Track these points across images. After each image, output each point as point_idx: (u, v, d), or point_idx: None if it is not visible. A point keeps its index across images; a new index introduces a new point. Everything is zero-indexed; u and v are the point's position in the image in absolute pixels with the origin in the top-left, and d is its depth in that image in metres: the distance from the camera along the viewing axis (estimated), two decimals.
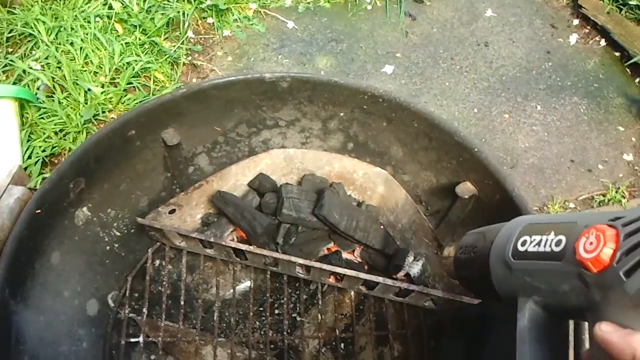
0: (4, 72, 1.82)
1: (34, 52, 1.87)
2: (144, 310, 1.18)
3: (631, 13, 2.24)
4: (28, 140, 1.68)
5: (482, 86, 2.09)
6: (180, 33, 2.03)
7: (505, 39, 2.24)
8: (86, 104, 1.79)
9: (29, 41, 1.89)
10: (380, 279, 1.14)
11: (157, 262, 1.30)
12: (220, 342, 1.22)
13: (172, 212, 1.25)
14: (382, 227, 1.29)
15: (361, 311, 1.33)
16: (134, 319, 1.22)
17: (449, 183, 1.19)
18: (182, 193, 1.25)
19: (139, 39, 1.95)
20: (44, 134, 1.71)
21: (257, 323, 1.31)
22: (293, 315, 1.32)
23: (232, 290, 1.29)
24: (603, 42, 2.25)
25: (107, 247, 1.18)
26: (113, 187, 1.14)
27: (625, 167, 1.93)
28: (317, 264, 1.15)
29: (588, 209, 1.81)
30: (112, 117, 1.80)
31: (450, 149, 1.13)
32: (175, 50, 1.98)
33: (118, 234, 1.19)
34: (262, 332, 1.28)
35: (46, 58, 1.85)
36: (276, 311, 1.32)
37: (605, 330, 0.39)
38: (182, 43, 2.01)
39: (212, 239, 1.16)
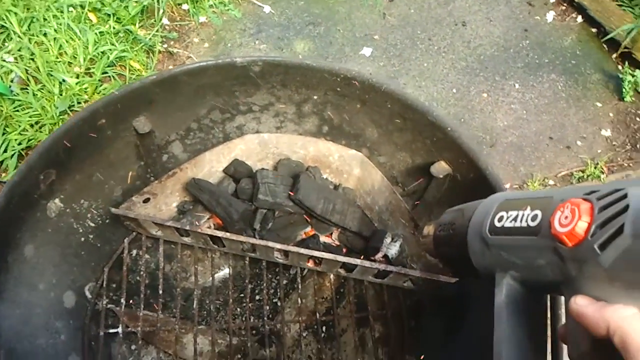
0: None
1: (6, 44, 1.84)
2: (122, 300, 1.18)
3: None
4: (3, 134, 1.67)
5: (461, 66, 2.09)
6: (155, 20, 2.01)
7: (482, 18, 2.24)
8: (61, 95, 1.77)
9: (0, 33, 1.86)
10: (358, 261, 1.14)
11: (134, 252, 1.30)
12: (200, 329, 1.22)
13: (146, 201, 1.24)
14: (359, 208, 1.29)
15: (341, 294, 1.33)
16: (112, 309, 1.21)
17: (424, 163, 1.19)
18: (156, 181, 1.24)
19: (114, 27, 1.93)
20: (20, 126, 1.69)
21: (238, 310, 1.31)
22: (273, 300, 1.32)
23: (211, 278, 1.28)
24: (580, 19, 2.25)
25: (82, 239, 1.17)
26: (85, 177, 1.12)
27: (604, 142, 1.94)
28: (295, 249, 1.15)
29: (567, 186, 1.83)
30: None
31: (424, 129, 1.13)
32: (150, 38, 1.95)
33: (92, 224, 1.18)
34: (243, 319, 1.29)
35: (19, 50, 1.82)
36: (256, 297, 1.32)
37: (580, 303, 0.39)
38: (157, 31, 1.99)
39: (188, 227, 1.15)
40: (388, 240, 1.24)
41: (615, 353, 0.36)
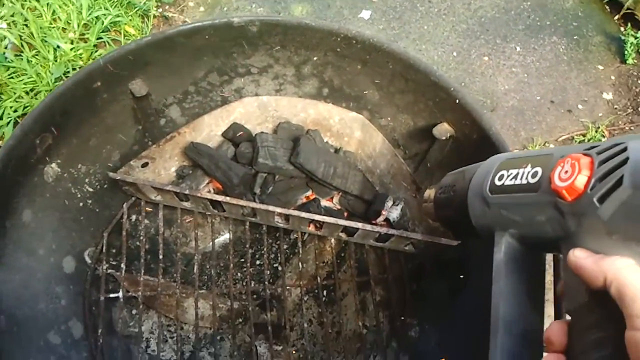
0: None
1: None
2: (122, 265, 1.17)
3: None
4: None
5: (461, 29, 2.05)
6: None
7: None
8: (56, 61, 1.74)
9: None
10: (359, 225, 1.13)
11: (133, 217, 1.28)
12: (201, 294, 1.22)
13: (145, 165, 1.23)
14: (360, 171, 1.27)
15: (342, 258, 1.33)
16: (112, 274, 1.21)
17: (426, 125, 1.18)
18: (154, 146, 1.22)
19: None
20: (15, 93, 1.66)
21: (239, 274, 1.30)
22: (274, 265, 1.32)
23: (211, 243, 1.28)
24: None
25: (81, 204, 1.16)
26: (82, 141, 1.10)
27: (605, 106, 1.93)
28: (296, 213, 1.14)
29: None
30: None
31: (427, 90, 1.11)
32: (144, 3, 1.91)
33: (91, 189, 1.17)
34: (244, 283, 1.28)
35: (12, 15, 1.78)
36: (257, 262, 1.32)
37: (579, 255, 0.40)
38: None
39: (187, 192, 1.14)
40: (389, 203, 1.24)
41: (611, 304, 0.37)
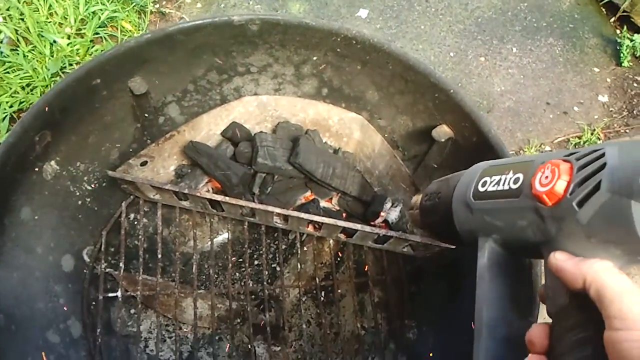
0: None
1: None
2: (121, 264, 1.17)
3: None
4: None
5: (458, 29, 2.06)
6: None
7: None
8: (52, 56, 1.72)
9: None
10: (358, 226, 1.13)
11: (132, 215, 1.28)
12: (200, 294, 1.22)
13: (143, 164, 1.22)
14: (359, 172, 1.27)
15: (341, 259, 1.33)
16: (111, 273, 1.20)
17: (425, 127, 1.18)
18: (153, 144, 1.22)
19: None
20: (10, 89, 1.64)
21: (237, 274, 1.30)
22: (272, 265, 1.32)
23: (210, 243, 1.27)
24: None
25: (79, 202, 1.15)
26: (81, 139, 1.10)
27: (601, 108, 1.94)
28: (295, 213, 1.14)
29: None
30: None
31: (426, 91, 1.11)
32: None
33: (89, 188, 1.16)
34: (242, 283, 1.28)
35: (8, 9, 1.77)
36: (255, 262, 1.32)
37: (559, 258, 0.41)
38: None
39: (186, 191, 1.13)
40: (388, 205, 1.24)
41: (590, 305, 0.38)
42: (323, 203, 1.31)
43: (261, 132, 1.26)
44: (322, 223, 1.14)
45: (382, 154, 1.28)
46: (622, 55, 1.98)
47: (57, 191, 1.09)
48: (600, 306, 0.37)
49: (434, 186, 0.63)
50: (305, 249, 1.30)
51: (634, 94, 1.96)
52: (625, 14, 2.08)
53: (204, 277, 1.29)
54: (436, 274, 1.24)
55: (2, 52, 1.67)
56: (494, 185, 0.49)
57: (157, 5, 1.96)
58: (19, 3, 1.75)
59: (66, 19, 1.79)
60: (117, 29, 1.84)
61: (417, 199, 0.67)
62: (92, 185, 1.17)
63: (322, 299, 1.25)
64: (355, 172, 1.28)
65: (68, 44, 1.73)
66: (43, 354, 1.00)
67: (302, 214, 1.14)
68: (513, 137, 1.85)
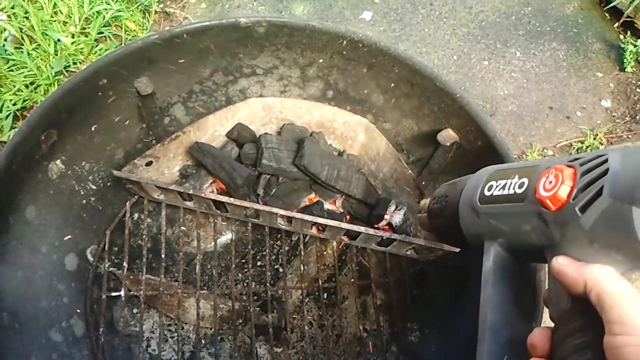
0: None
1: None
2: (125, 264, 1.17)
3: None
4: None
5: (462, 32, 2.06)
6: None
7: None
8: (56, 55, 1.73)
9: None
10: (362, 229, 1.14)
11: (136, 215, 1.28)
12: (203, 294, 1.22)
13: (149, 164, 1.22)
14: (363, 175, 1.28)
15: (344, 261, 1.33)
16: (114, 273, 1.20)
17: (430, 130, 1.18)
18: (158, 144, 1.22)
19: None
20: (14, 86, 1.65)
21: (240, 275, 1.30)
22: (275, 266, 1.32)
23: (213, 243, 1.27)
24: None
25: (84, 201, 1.15)
26: (87, 139, 1.10)
27: (603, 113, 1.94)
28: (299, 215, 1.14)
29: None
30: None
31: (432, 95, 1.11)
32: None
33: (94, 187, 1.16)
34: (245, 284, 1.28)
35: (12, 7, 1.77)
36: (258, 263, 1.32)
37: (561, 262, 0.41)
38: None
39: (191, 191, 1.13)
40: (392, 208, 1.24)
41: (591, 310, 0.38)
42: (327, 205, 1.31)
43: (266, 133, 1.27)
44: (326, 225, 1.14)
45: (387, 157, 1.28)
46: (625, 60, 1.99)
47: (62, 190, 1.09)
48: (601, 311, 0.37)
49: (442, 189, 0.63)
50: (308, 250, 1.30)
51: (637, 100, 1.96)
52: (629, 19, 2.09)
53: (207, 277, 1.29)
54: (439, 277, 1.24)
55: (6, 50, 1.67)
56: (499, 190, 0.49)
57: (162, 5, 1.96)
58: (24, 1, 1.76)
59: (70, 17, 1.79)
60: (121, 28, 1.85)
61: (425, 202, 0.67)
62: (97, 185, 1.17)
63: (324, 300, 1.26)
64: (359, 175, 1.29)
65: (72, 43, 1.74)
66: None
67: (306, 215, 1.14)
68: (516, 141, 1.86)
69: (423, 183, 1.23)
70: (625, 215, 0.36)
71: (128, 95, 1.11)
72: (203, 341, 1.22)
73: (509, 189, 0.48)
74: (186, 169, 1.28)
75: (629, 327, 0.35)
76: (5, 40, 1.71)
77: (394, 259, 1.26)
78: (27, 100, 1.64)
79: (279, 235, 1.30)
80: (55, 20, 1.77)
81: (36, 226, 1.04)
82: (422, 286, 1.27)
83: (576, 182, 0.40)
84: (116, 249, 1.24)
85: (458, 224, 0.56)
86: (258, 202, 1.23)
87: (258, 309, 1.25)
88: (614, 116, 1.93)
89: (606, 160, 0.39)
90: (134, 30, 1.85)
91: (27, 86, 1.66)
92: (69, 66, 1.71)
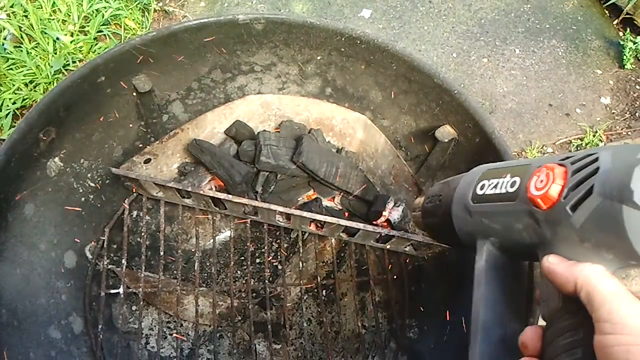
0: None
1: None
2: (123, 261, 1.17)
3: None
4: None
5: (461, 30, 2.06)
6: None
7: None
8: (55, 53, 1.73)
9: None
10: (360, 226, 1.14)
11: (135, 213, 1.28)
12: (201, 291, 1.22)
13: (147, 161, 1.22)
14: (361, 172, 1.28)
15: (342, 258, 1.33)
16: (113, 270, 1.21)
17: (428, 127, 1.18)
18: (156, 142, 1.22)
19: None
20: (14, 85, 1.65)
21: (239, 272, 1.30)
22: (274, 263, 1.32)
23: (212, 240, 1.27)
24: None
25: (83, 199, 1.16)
26: (85, 136, 1.10)
27: (603, 110, 1.94)
28: (297, 212, 1.14)
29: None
30: None
31: (430, 91, 1.11)
32: None
33: (93, 185, 1.17)
34: (244, 281, 1.28)
35: (11, 6, 1.77)
36: (257, 260, 1.32)
37: (552, 261, 0.41)
38: None
39: (189, 189, 1.14)
40: (391, 204, 1.24)
41: (582, 309, 0.38)
42: (325, 202, 1.31)
43: (264, 130, 1.27)
44: (325, 222, 1.14)
45: (385, 153, 1.28)
46: (625, 57, 1.98)
47: (61, 188, 1.09)
48: (591, 310, 0.37)
49: (435, 188, 0.63)
50: (307, 247, 1.30)
51: (637, 97, 1.96)
52: (628, 16, 2.08)
53: (206, 274, 1.29)
54: (437, 273, 1.24)
55: (5, 49, 1.67)
56: (491, 189, 0.49)
57: (161, 4, 1.96)
58: (23, 0, 1.76)
59: (69, 16, 1.79)
60: (120, 26, 1.85)
61: (419, 200, 0.67)
62: (96, 182, 1.17)
63: (323, 297, 1.26)
64: (358, 172, 1.29)
65: (71, 42, 1.74)
66: None
67: (304, 212, 1.14)
68: (515, 138, 1.85)
69: (421, 180, 1.23)
70: (616, 214, 0.36)
71: (126, 92, 1.11)
72: (202, 338, 1.22)
73: (500, 187, 0.48)
74: (185, 166, 1.28)
75: (619, 326, 0.35)
76: (5, 39, 1.71)
77: (392, 256, 1.27)
78: (26, 99, 1.64)
79: (277, 233, 1.30)
80: (54, 19, 1.77)
81: (35, 223, 1.04)
82: (421, 283, 1.27)
83: (567, 181, 0.40)
84: (115, 246, 1.24)
85: (451, 222, 0.56)
86: (256, 200, 1.23)
87: (257, 306, 1.25)
88: (613, 113, 1.92)
89: (597, 159, 0.39)
90: (133, 29, 1.85)
91: (26, 85, 1.66)
92: (68, 65, 1.71)
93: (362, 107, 1.28)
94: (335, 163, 1.24)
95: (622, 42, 2.03)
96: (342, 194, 1.30)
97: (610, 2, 2.10)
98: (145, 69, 1.10)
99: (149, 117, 1.19)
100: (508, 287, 0.51)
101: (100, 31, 1.81)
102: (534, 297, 0.59)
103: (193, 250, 1.26)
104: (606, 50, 2.06)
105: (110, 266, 1.20)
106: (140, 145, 1.22)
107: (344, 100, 1.28)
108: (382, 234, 1.15)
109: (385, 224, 1.26)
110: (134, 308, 1.22)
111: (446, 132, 1.13)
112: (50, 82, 1.67)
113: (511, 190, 0.46)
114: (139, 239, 1.25)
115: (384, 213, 1.23)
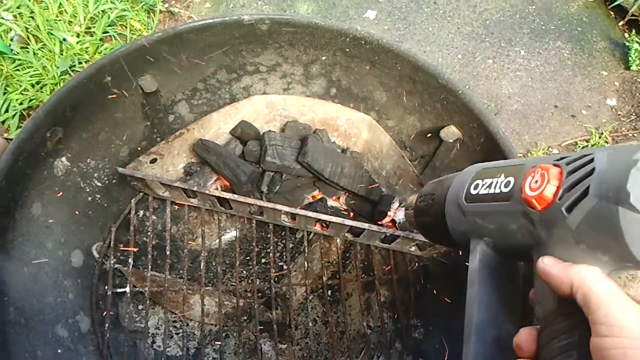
0: None
1: (4, 1, 1.80)
2: (130, 260, 1.17)
3: None
4: (4, 93, 1.64)
5: (466, 31, 2.06)
6: None
7: None
8: (62, 54, 1.74)
9: None
10: (365, 226, 1.14)
11: (141, 212, 1.29)
12: (207, 291, 1.22)
13: (153, 161, 1.23)
14: (366, 172, 1.28)
15: (347, 258, 1.33)
16: (119, 269, 1.21)
17: (433, 127, 1.18)
18: (162, 142, 1.23)
19: None
20: (20, 86, 1.66)
21: (244, 272, 1.31)
22: (280, 263, 1.32)
23: (217, 240, 1.28)
24: None
25: (89, 198, 1.16)
26: (92, 136, 1.11)
27: (609, 112, 1.93)
28: (303, 212, 1.15)
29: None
30: None
31: (435, 92, 1.12)
32: None
33: (99, 184, 1.17)
34: (250, 281, 1.29)
35: (18, 7, 1.78)
36: (263, 260, 1.32)
37: (547, 262, 0.41)
38: None
39: (195, 188, 1.14)
40: (396, 205, 1.24)
41: (578, 311, 0.38)
42: (331, 202, 1.32)
43: (270, 131, 1.27)
44: (330, 222, 1.14)
45: (390, 154, 1.28)
46: (630, 58, 1.98)
47: (68, 187, 1.10)
48: (587, 312, 0.37)
49: (428, 187, 0.63)
50: (312, 247, 1.31)
51: None
52: (633, 17, 2.08)
53: (212, 274, 1.29)
54: (443, 273, 1.24)
55: (12, 50, 1.68)
56: (485, 188, 0.49)
57: (166, 5, 1.97)
58: (29, 1, 1.77)
59: (76, 17, 1.80)
60: (126, 27, 1.86)
61: (412, 199, 0.66)
62: (102, 182, 1.18)
63: (328, 297, 1.26)
64: (363, 172, 1.29)
65: (77, 42, 1.75)
66: None
67: (309, 212, 1.14)
68: (521, 139, 1.85)
69: (426, 180, 1.23)
70: (612, 215, 0.35)
71: (132, 93, 1.12)
72: (208, 337, 1.23)
73: (495, 187, 0.47)
74: (190, 166, 1.29)
75: (616, 328, 0.34)
76: (11, 40, 1.72)
77: (397, 256, 1.27)
78: (33, 99, 1.65)
79: (283, 233, 1.30)
80: (60, 20, 1.78)
81: (42, 223, 1.05)
82: (426, 283, 1.27)
83: (562, 181, 0.40)
84: (121, 245, 1.24)
85: (444, 222, 0.55)
86: (262, 199, 1.23)
87: (262, 305, 1.25)
88: (619, 114, 1.92)
89: (592, 160, 0.38)
90: (139, 30, 1.86)
91: (33, 86, 1.67)
92: (74, 66, 1.72)
93: (366, 107, 1.28)
94: (340, 163, 1.25)
95: (627, 44, 2.03)
96: (347, 194, 1.31)
97: (616, 3, 2.10)
98: (151, 70, 1.11)
99: (155, 117, 1.19)
100: (502, 287, 0.50)
101: (106, 32, 1.82)
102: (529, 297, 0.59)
103: (199, 249, 1.26)
104: (612, 52, 2.06)
105: (117, 265, 1.21)
106: (147, 145, 1.23)
107: (349, 100, 1.29)
108: (387, 234, 1.16)
109: (390, 224, 1.26)
110: (140, 307, 1.22)
111: (451, 133, 1.13)
112: (56, 83, 1.68)
113: (505, 190, 0.46)
114: (145, 239, 1.25)
115: (389, 213, 1.23)
